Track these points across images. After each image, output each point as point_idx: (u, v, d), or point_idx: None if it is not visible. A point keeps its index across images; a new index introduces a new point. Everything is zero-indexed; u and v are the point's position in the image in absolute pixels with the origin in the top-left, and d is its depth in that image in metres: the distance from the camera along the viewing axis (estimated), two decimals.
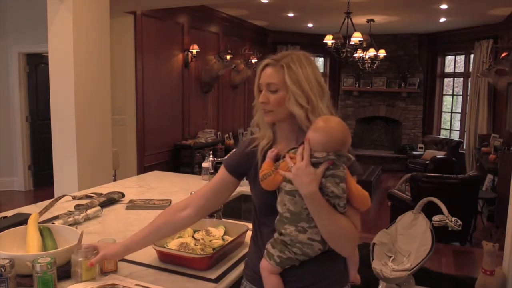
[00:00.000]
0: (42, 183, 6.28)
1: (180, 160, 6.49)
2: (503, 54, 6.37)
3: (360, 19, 7.07)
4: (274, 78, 1.24)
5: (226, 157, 1.46)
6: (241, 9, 7.17)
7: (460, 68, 8.94)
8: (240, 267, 1.51)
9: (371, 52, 6.94)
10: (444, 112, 9.44)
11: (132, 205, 2.28)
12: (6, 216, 1.92)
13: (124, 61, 5.56)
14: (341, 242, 1.19)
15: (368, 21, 7.41)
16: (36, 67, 6.31)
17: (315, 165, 1.13)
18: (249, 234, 1.44)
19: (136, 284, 1.36)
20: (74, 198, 2.38)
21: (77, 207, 2.11)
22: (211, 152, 3.14)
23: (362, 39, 5.99)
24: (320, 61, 10.21)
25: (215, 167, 2.86)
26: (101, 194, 2.38)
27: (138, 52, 5.70)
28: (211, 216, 1.90)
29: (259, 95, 1.28)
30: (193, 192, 1.54)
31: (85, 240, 1.47)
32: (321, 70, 10.18)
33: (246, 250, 1.50)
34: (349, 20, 5.95)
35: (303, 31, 9.18)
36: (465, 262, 4.18)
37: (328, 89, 1.28)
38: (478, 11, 6.60)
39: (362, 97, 9.63)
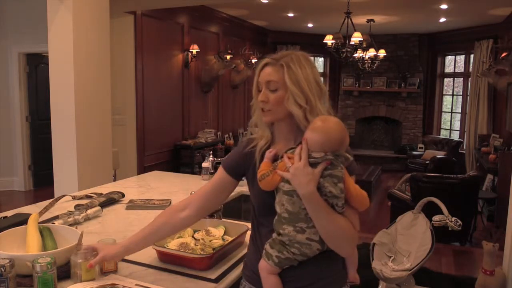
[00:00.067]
0: (42, 183, 6.28)
1: (180, 160, 6.49)
2: (503, 54, 6.37)
3: (360, 19, 7.07)
4: (273, 76, 1.24)
5: (224, 158, 1.46)
6: (241, 9, 7.17)
7: (460, 68, 8.94)
8: (240, 267, 1.51)
9: (371, 52, 6.95)
10: (444, 112, 9.44)
11: (132, 205, 2.28)
12: (6, 216, 1.92)
13: (124, 61, 5.56)
14: (340, 242, 1.19)
15: (368, 21, 7.41)
16: (36, 67, 6.31)
17: (313, 165, 1.13)
18: (249, 234, 1.44)
19: (136, 284, 1.36)
20: (74, 198, 2.38)
21: (77, 207, 2.11)
22: (211, 152, 3.14)
23: (362, 39, 5.99)
24: (320, 61, 10.21)
25: (215, 167, 2.86)
26: (101, 194, 2.38)
27: (138, 52, 5.70)
28: (211, 216, 1.90)
29: (258, 95, 1.28)
30: (193, 192, 1.54)
31: (85, 239, 1.47)
32: (321, 70, 10.19)
33: (246, 250, 1.50)
34: (349, 20, 5.95)
35: (303, 31, 9.18)
36: (465, 262, 4.18)
37: (326, 89, 1.28)
38: (478, 11, 6.60)
39: (362, 97, 9.63)
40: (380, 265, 2.82)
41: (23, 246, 1.50)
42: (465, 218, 3.95)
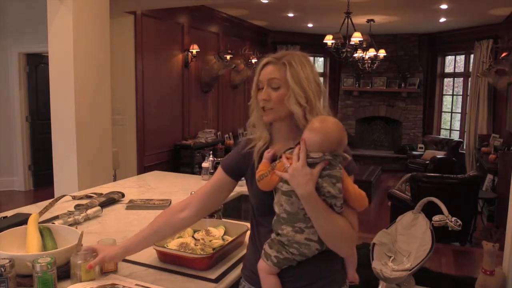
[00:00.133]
0: (42, 183, 6.28)
1: (180, 160, 6.49)
2: (503, 54, 6.37)
3: (360, 19, 7.07)
4: (276, 74, 1.23)
5: (223, 158, 1.46)
6: (241, 9, 7.17)
7: (460, 68, 8.94)
8: (241, 267, 1.51)
9: (371, 52, 6.95)
10: (444, 112, 9.44)
11: (132, 205, 2.28)
12: (6, 216, 1.92)
13: (124, 61, 5.56)
14: (338, 242, 1.19)
15: (368, 21, 7.41)
16: (36, 67, 6.31)
17: (311, 165, 1.13)
18: (248, 234, 1.44)
19: (136, 284, 1.37)
20: (74, 198, 2.38)
21: (77, 207, 2.11)
22: (211, 152, 3.14)
23: (362, 39, 5.99)
24: (320, 61, 10.21)
25: (215, 167, 2.86)
26: (101, 194, 2.39)
27: (138, 52, 5.70)
28: (211, 216, 1.90)
29: (258, 94, 1.27)
30: (193, 192, 1.54)
31: (85, 239, 1.47)
32: (321, 70, 10.19)
33: (246, 250, 1.50)
34: (349, 20, 5.95)
35: (303, 31, 9.18)
36: (465, 262, 4.18)
37: (325, 89, 1.28)
38: (478, 11, 6.60)
39: (362, 97, 9.63)
40: (380, 265, 2.82)
41: (23, 246, 1.50)
42: (465, 218, 3.95)
